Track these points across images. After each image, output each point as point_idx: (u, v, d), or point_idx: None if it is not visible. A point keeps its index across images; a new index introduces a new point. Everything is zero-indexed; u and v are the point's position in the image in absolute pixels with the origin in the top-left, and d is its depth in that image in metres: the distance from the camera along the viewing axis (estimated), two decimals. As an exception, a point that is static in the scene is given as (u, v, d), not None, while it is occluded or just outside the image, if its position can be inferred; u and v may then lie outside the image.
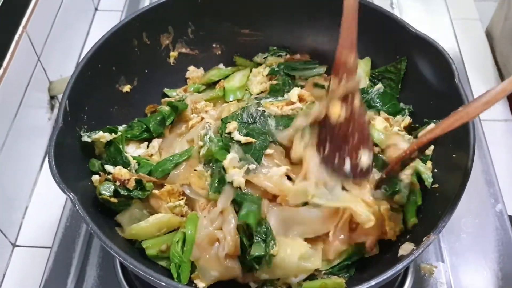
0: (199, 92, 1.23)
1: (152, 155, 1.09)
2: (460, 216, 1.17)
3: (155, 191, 1.00)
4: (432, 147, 1.03)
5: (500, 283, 1.09)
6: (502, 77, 1.48)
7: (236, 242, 0.93)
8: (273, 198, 0.98)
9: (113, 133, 1.03)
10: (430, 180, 1.02)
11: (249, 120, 1.06)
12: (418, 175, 1.03)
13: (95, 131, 1.02)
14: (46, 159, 0.87)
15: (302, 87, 1.16)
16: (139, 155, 1.08)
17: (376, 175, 1.00)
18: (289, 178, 0.99)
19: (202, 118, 1.11)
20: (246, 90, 1.21)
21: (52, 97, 1.34)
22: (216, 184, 0.99)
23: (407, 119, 1.12)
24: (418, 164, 1.02)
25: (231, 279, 0.96)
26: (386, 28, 1.12)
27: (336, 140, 0.92)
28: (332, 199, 0.93)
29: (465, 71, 1.47)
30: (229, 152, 1.01)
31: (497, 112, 1.38)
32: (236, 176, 0.98)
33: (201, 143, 1.05)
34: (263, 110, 1.08)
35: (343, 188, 0.95)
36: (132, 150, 1.09)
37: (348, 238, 0.97)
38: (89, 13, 1.61)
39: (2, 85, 1.09)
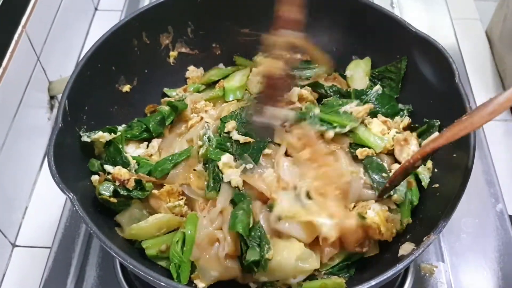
0: (199, 92, 1.23)
1: (151, 155, 1.09)
2: (460, 216, 1.17)
3: (155, 191, 1.00)
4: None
5: (500, 283, 1.09)
6: (501, 77, 1.47)
7: (236, 242, 0.93)
8: (268, 199, 0.98)
9: (112, 133, 1.03)
10: (428, 180, 1.02)
11: (248, 120, 1.07)
12: (415, 175, 1.03)
13: (94, 131, 1.01)
14: (46, 159, 0.87)
15: (302, 87, 1.16)
16: (138, 155, 1.08)
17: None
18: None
19: (202, 118, 1.11)
20: (246, 90, 1.21)
21: (51, 97, 1.34)
22: (212, 184, 0.99)
23: (406, 120, 1.12)
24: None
25: (231, 279, 0.96)
26: (386, 28, 1.12)
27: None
28: (300, 212, 0.94)
29: (465, 71, 1.47)
30: (225, 152, 1.01)
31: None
32: (234, 176, 0.98)
33: (200, 143, 1.05)
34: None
35: (309, 197, 0.96)
36: (132, 150, 1.09)
37: (338, 243, 0.97)
38: (88, 12, 1.61)
39: (2, 85, 1.09)
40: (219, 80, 1.24)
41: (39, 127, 1.30)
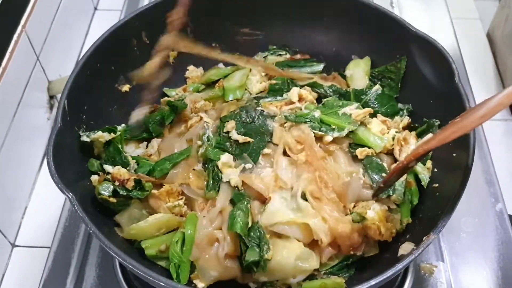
0: (198, 91, 1.23)
1: (151, 155, 1.09)
2: (460, 216, 1.17)
3: (154, 191, 1.00)
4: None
5: (500, 283, 1.09)
6: (502, 77, 1.47)
7: (235, 242, 0.93)
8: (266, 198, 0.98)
9: (112, 133, 1.03)
10: (427, 180, 1.02)
11: (248, 120, 1.07)
12: (415, 175, 1.03)
13: (94, 131, 1.01)
14: (45, 159, 0.87)
15: (301, 86, 1.16)
16: (138, 155, 1.08)
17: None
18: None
19: (201, 118, 1.11)
20: (246, 89, 1.21)
21: (51, 97, 1.34)
22: (211, 183, 0.99)
23: (406, 119, 1.12)
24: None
25: (231, 279, 0.96)
26: (386, 28, 1.12)
27: None
28: (296, 214, 0.94)
29: (465, 70, 1.47)
30: (225, 152, 1.01)
31: (497, 111, 1.38)
32: (233, 175, 0.98)
33: (199, 143, 1.05)
34: (262, 110, 1.08)
35: (304, 199, 0.96)
36: (131, 150, 1.09)
37: (337, 244, 0.97)
38: (88, 12, 1.61)
39: (1, 84, 1.09)
40: (218, 79, 1.24)
41: (39, 127, 1.30)
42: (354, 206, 1.01)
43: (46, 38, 1.31)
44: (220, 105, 1.17)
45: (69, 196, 0.84)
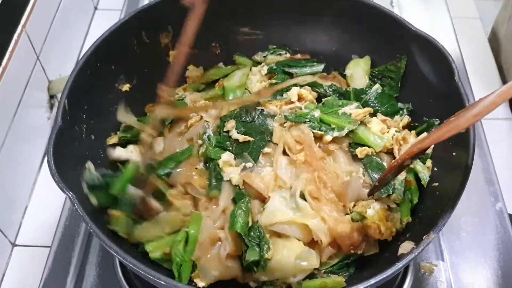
0: (198, 91, 1.23)
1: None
2: (460, 215, 1.17)
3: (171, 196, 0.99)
4: (432, 145, 1.03)
5: (500, 282, 1.09)
6: (503, 77, 1.48)
7: (236, 242, 0.93)
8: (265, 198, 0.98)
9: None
10: (427, 179, 1.02)
11: (248, 119, 1.07)
12: (415, 174, 1.03)
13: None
14: (45, 158, 0.87)
15: (301, 86, 1.16)
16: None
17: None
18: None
19: (201, 117, 1.11)
20: (246, 89, 1.21)
21: (51, 97, 1.34)
22: (214, 182, 0.99)
23: (406, 119, 1.12)
24: (416, 163, 1.02)
25: (231, 279, 0.96)
26: (386, 27, 1.12)
27: None
28: (295, 213, 0.95)
29: (465, 70, 1.47)
30: (225, 151, 1.01)
31: (497, 111, 1.36)
32: (233, 174, 0.98)
33: (200, 142, 1.05)
34: (262, 109, 1.08)
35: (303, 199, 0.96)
36: (129, 150, 1.07)
37: (336, 243, 0.97)
38: (88, 12, 1.61)
39: (1, 84, 1.09)
40: (218, 79, 1.24)
41: (39, 127, 1.30)
42: (354, 205, 1.01)
43: (46, 38, 1.31)
44: (220, 104, 1.17)
45: (69, 195, 0.84)
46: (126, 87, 1.15)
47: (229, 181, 0.98)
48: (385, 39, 1.15)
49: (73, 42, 1.50)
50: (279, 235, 0.95)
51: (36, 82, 1.26)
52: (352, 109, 1.07)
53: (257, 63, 1.27)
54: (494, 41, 1.56)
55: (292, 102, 1.11)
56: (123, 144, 1.09)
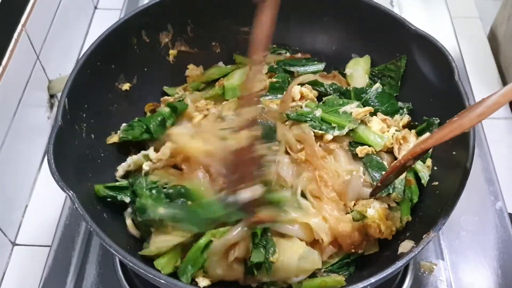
0: (198, 90, 1.23)
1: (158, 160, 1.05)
2: (460, 214, 1.17)
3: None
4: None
5: (500, 281, 1.09)
6: (503, 76, 1.48)
7: (247, 246, 0.92)
8: None
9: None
10: (427, 178, 1.02)
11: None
12: (415, 173, 1.03)
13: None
14: (46, 157, 0.87)
15: (302, 84, 1.16)
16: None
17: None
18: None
19: (206, 116, 1.10)
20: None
21: (51, 96, 1.34)
22: None
23: (406, 118, 1.12)
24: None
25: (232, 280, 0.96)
26: (386, 26, 1.12)
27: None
28: (297, 212, 0.94)
29: (465, 69, 1.47)
30: None
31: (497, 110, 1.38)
32: None
33: None
34: (263, 108, 1.08)
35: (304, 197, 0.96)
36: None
37: (337, 242, 0.97)
38: (88, 11, 1.61)
39: (1, 84, 1.09)
40: (219, 78, 1.24)
41: (39, 126, 1.30)
42: (354, 205, 1.01)
43: (46, 37, 1.31)
44: (221, 104, 1.17)
45: (69, 194, 0.84)
46: (126, 86, 1.15)
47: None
48: (385, 39, 1.15)
49: (73, 42, 1.50)
50: (282, 235, 0.95)
51: (36, 81, 1.26)
52: (353, 108, 1.08)
53: (257, 63, 1.27)
54: (493, 41, 1.56)
55: (293, 100, 1.11)
56: (123, 144, 1.09)
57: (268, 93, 1.16)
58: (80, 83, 1.00)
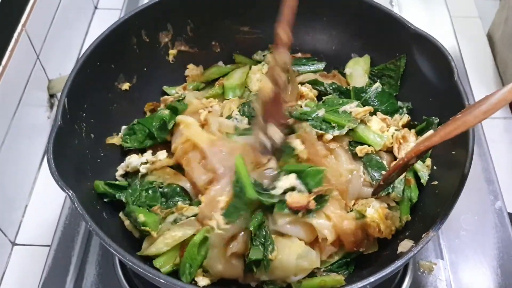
0: (198, 90, 1.23)
1: (154, 162, 1.06)
2: (459, 213, 1.17)
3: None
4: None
5: (499, 280, 1.10)
6: (502, 77, 1.47)
7: (246, 241, 0.92)
8: None
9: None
10: (426, 178, 1.02)
11: (252, 113, 1.07)
12: (414, 173, 1.03)
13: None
14: (45, 157, 0.87)
15: (302, 84, 1.16)
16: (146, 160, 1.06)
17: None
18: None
19: (210, 112, 1.10)
20: (246, 87, 1.21)
21: (51, 96, 1.34)
22: None
23: (406, 117, 1.12)
24: (415, 161, 1.02)
25: (232, 279, 0.96)
26: (386, 26, 1.12)
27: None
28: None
29: (465, 68, 1.47)
30: None
31: (496, 110, 1.38)
32: None
33: None
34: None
35: None
36: (134, 159, 1.06)
37: (337, 242, 0.97)
38: (88, 11, 1.61)
39: (1, 83, 1.09)
40: (218, 78, 1.24)
41: (39, 126, 1.30)
42: (354, 204, 1.01)
43: (46, 37, 1.31)
44: (221, 102, 1.17)
45: (69, 193, 0.84)
46: (126, 86, 1.15)
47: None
48: (384, 38, 1.15)
49: (73, 41, 1.50)
50: (281, 234, 0.95)
51: (36, 81, 1.26)
52: (352, 107, 1.08)
53: (257, 62, 1.27)
54: (490, 43, 1.56)
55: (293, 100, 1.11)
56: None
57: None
58: (80, 83, 1.00)
